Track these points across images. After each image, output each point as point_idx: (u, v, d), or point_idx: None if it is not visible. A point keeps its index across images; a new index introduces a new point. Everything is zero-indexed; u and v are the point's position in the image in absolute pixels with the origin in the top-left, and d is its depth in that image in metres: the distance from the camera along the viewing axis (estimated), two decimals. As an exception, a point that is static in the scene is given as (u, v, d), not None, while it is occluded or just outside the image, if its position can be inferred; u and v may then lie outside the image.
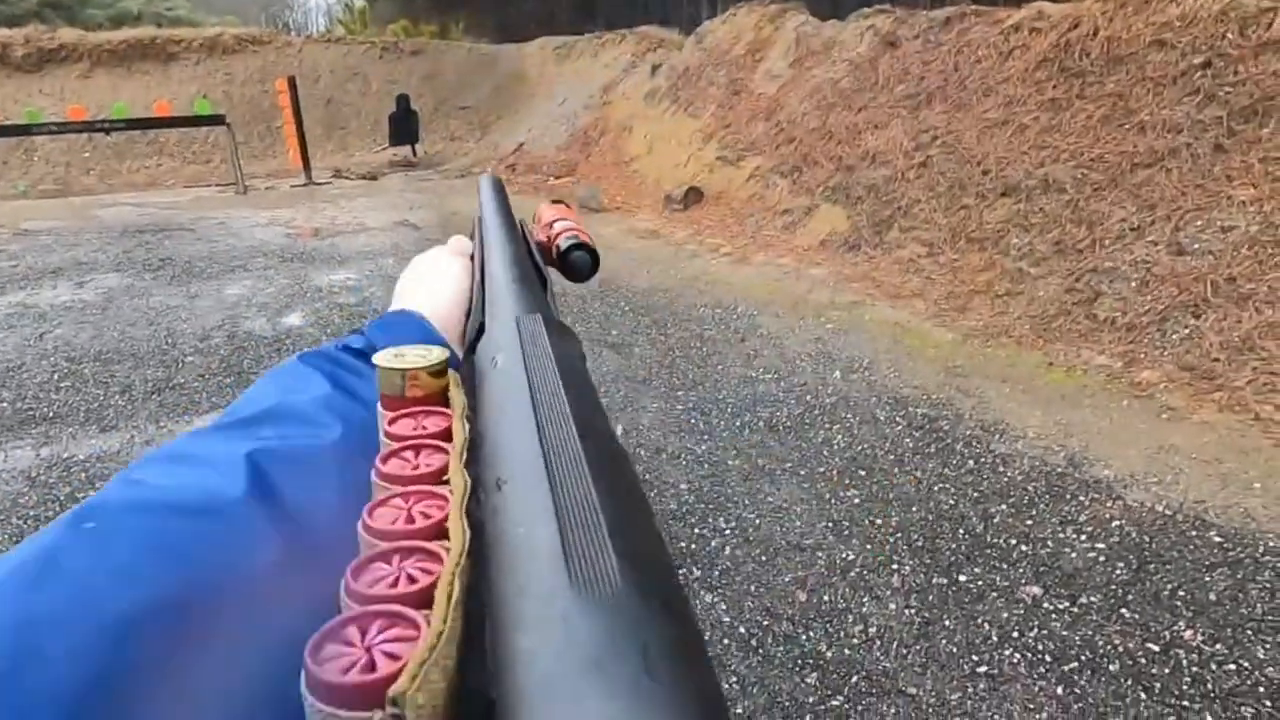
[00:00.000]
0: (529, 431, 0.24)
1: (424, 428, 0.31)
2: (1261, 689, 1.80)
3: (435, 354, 0.35)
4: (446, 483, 0.27)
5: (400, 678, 0.17)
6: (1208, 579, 2.18)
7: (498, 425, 0.27)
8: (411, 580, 0.22)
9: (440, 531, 0.24)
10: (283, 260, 6.40)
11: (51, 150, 11.89)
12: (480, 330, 0.38)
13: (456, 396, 0.33)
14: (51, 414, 3.50)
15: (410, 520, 0.25)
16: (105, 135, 10.60)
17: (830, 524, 2.53)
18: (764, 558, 2.37)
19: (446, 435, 0.30)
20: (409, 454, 0.29)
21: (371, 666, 0.19)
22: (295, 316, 4.86)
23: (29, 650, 0.22)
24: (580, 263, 0.57)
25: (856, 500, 2.66)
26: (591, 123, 10.52)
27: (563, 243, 0.57)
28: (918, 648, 1.99)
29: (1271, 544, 2.31)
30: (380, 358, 0.34)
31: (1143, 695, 1.81)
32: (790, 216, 6.28)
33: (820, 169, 6.33)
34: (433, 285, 0.53)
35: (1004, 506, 2.58)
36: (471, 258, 0.57)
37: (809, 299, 4.86)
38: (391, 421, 0.32)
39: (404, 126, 12.60)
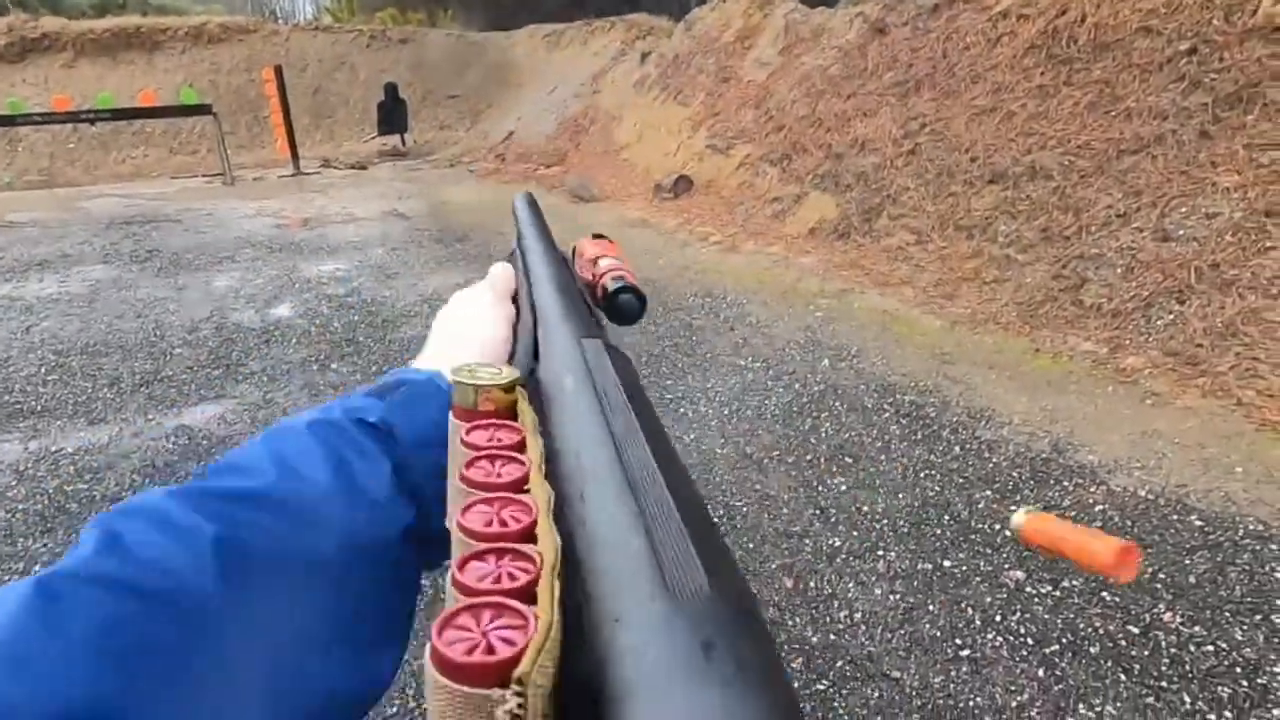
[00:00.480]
0: (607, 448, 0.26)
1: (498, 439, 0.32)
2: (1238, 669, 1.83)
3: (507, 372, 0.36)
4: (527, 492, 0.29)
5: (522, 661, 0.19)
6: (1188, 562, 2.21)
7: (574, 442, 0.29)
8: (512, 578, 0.24)
9: (530, 537, 0.26)
10: (271, 251, 6.38)
11: (36, 141, 11.79)
12: (534, 356, 0.39)
13: (527, 411, 0.34)
14: (39, 407, 3.49)
15: (499, 524, 0.27)
16: (90, 126, 10.54)
17: (817, 511, 2.55)
18: (751, 545, 2.39)
19: (520, 447, 0.32)
20: (488, 463, 0.31)
21: (490, 650, 0.20)
22: (284, 308, 4.85)
23: None
24: (628, 307, 0.54)
25: (843, 487, 2.68)
26: (581, 111, 10.48)
27: (609, 284, 0.55)
28: (902, 632, 2.02)
29: (1251, 527, 2.35)
30: (457, 372, 0.35)
31: (1122, 676, 1.83)
32: (780, 205, 6.28)
33: (809, 157, 6.33)
34: (469, 338, 0.49)
35: (989, 492, 2.60)
36: (514, 298, 0.56)
37: (798, 287, 4.87)
38: (468, 432, 0.33)
39: (393, 115, 12.54)
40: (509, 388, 0.35)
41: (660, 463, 0.25)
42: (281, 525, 0.33)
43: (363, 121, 13.68)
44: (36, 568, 2.37)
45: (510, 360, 0.48)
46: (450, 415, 0.35)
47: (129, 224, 7.57)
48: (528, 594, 0.23)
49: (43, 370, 3.91)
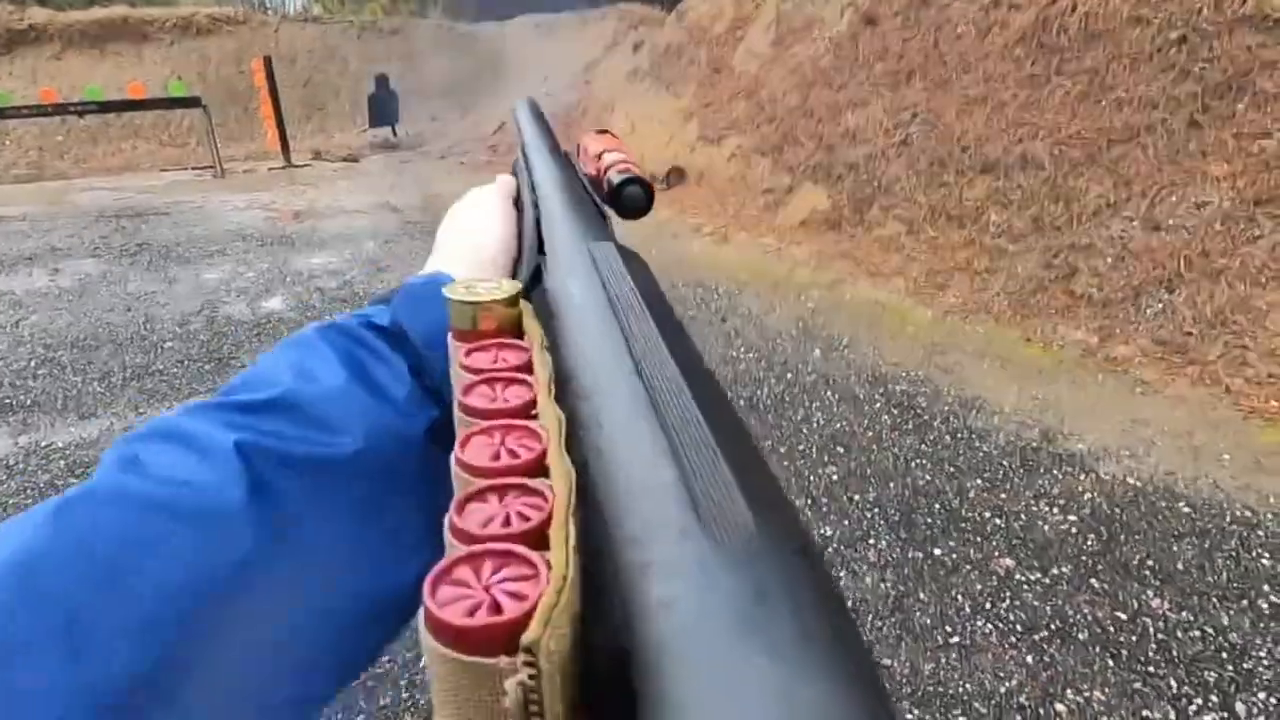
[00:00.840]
0: (625, 366, 0.23)
1: (503, 360, 0.30)
2: (1224, 654, 1.85)
3: (507, 286, 0.33)
4: (535, 417, 0.26)
5: (532, 624, 0.16)
6: (1176, 549, 2.23)
7: (587, 358, 0.25)
8: (522, 518, 0.21)
9: (540, 469, 0.23)
10: (262, 244, 6.35)
11: (24, 134, 11.70)
12: (538, 262, 0.36)
13: (534, 327, 0.31)
14: (29, 401, 3.48)
15: (505, 456, 0.24)
16: (78, 118, 10.44)
17: (809, 500, 2.56)
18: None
19: (527, 368, 0.29)
20: (491, 386, 0.28)
21: (497, 609, 0.17)
22: (276, 301, 4.83)
23: (3, 673, 0.21)
24: (634, 198, 0.51)
25: (835, 477, 2.69)
26: (574, 102, 10.45)
27: (614, 177, 0.52)
28: (893, 620, 2.03)
29: (1238, 513, 2.37)
30: (451, 290, 0.32)
31: (1110, 662, 1.85)
32: (772, 196, 6.28)
33: (801, 148, 6.33)
34: (474, 240, 0.48)
35: (979, 481, 2.62)
36: (516, 199, 0.54)
37: (790, 278, 4.88)
38: (467, 354, 0.30)
39: (384, 107, 12.48)
40: (511, 301, 0.32)
41: (689, 378, 0.22)
42: (302, 428, 0.32)
43: (354, 113, 13.61)
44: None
45: (515, 268, 0.45)
46: (449, 337, 0.32)
47: (118, 217, 7.53)
48: (538, 537, 0.20)
49: (32, 364, 3.90)
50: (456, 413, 0.27)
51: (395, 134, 12.82)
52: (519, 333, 0.32)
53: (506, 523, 0.20)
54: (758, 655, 0.13)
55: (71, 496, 0.27)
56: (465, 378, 0.29)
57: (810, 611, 0.14)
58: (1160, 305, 3.53)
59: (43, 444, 3.09)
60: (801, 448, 2.88)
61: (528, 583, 0.18)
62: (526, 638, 0.16)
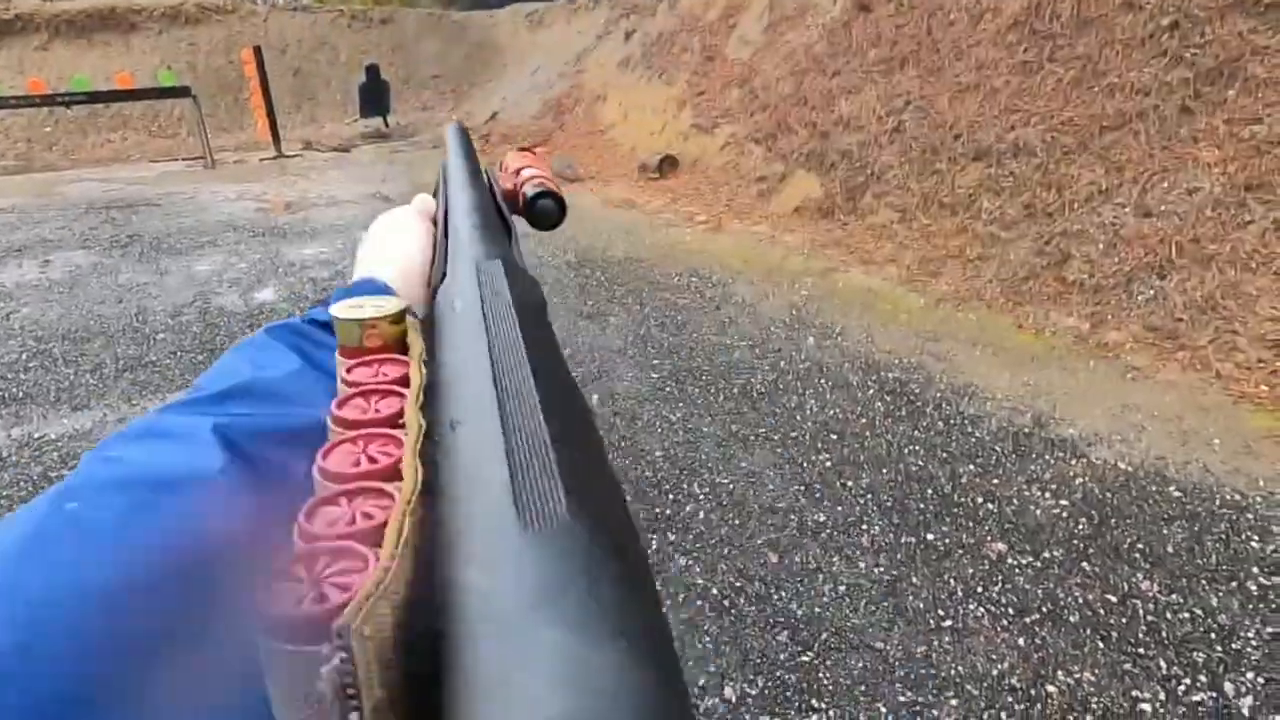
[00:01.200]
0: (484, 373, 0.24)
1: (383, 375, 0.31)
2: (1213, 635, 1.87)
3: (392, 304, 0.35)
4: (403, 426, 0.27)
5: (346, 610, 0.17)
6: (1166, 532, 2.25)
7: (454, 368, 0.27)
8: (368, 517, 0.22)
9: (395, 473, 0.24)
10: (254, 235, 6.32)
11: (11, 125, 11.60)
12: (443, 278, 0.38)
13: (415, 342, 0.33)
14: (21, 394, 3.47)
15: (365, 463, 0.25)
16: (66, 109, 10.36)
17: (803, 487, 2.57)
18: (737, 521, 2.41)
19: (404, 381, 0.30)
20: (365, 399, 0.29)
21: (323, 599, 0.18)
22: (268, 291, 4.82)
23: (24, 638, 0.22)
24: (546, 210, 0.55)
25: (828, 463, 2.70)
26: (566, 91, 10.41)
27: (529, 190, 0.55)
28: (886, 604, 2.05)
29: (1228, 497, 2.39)
30: (337, 309, 0.34)
31: (1100, 644, 1.87)
32: (765, 184, 6.28)
33: (794, 135, 6.32)
34: (395, 249, 0.51)
35: (972, 466, 2.63)
36: (435, 217, 0.56)
37: (783, 266, 4.88)
38: (349, 370, 0.32)
39: (374, 97, 12.40)
40: (397, 318, 0.34)
41: (541, 384, 0.23)
42: (269, 406, 0.35)
43: (344, 103, 13.52)
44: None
45: (429, 284, 0.47)
46: (336, 355, 0.35)
47: (108, 208, 7.48)
48: (377, 535, 0.21)
49: (24, 357, 3.88)
50: (329, 424, 0.28)
51: (386, 124, 12.75)
52: (404, 348, 0.33)
53: (353, 522, 0.21)
54: (551, 627, 0.14)
55: (67, 485, 0.28)
56: (343, 391, 0.30)
57: (607, 589, 0.15)
58: (1151, 291, 3.54)
59: (36, 436, 3.09)
60: (795, 435, 2.89)
61: (357, 575, 0.19)
62: (338, 623, 0.16)
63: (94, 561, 0.25)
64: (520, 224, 0.56)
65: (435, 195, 0.60)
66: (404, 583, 0.18)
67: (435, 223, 0.54)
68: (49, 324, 4.32)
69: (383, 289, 0.46)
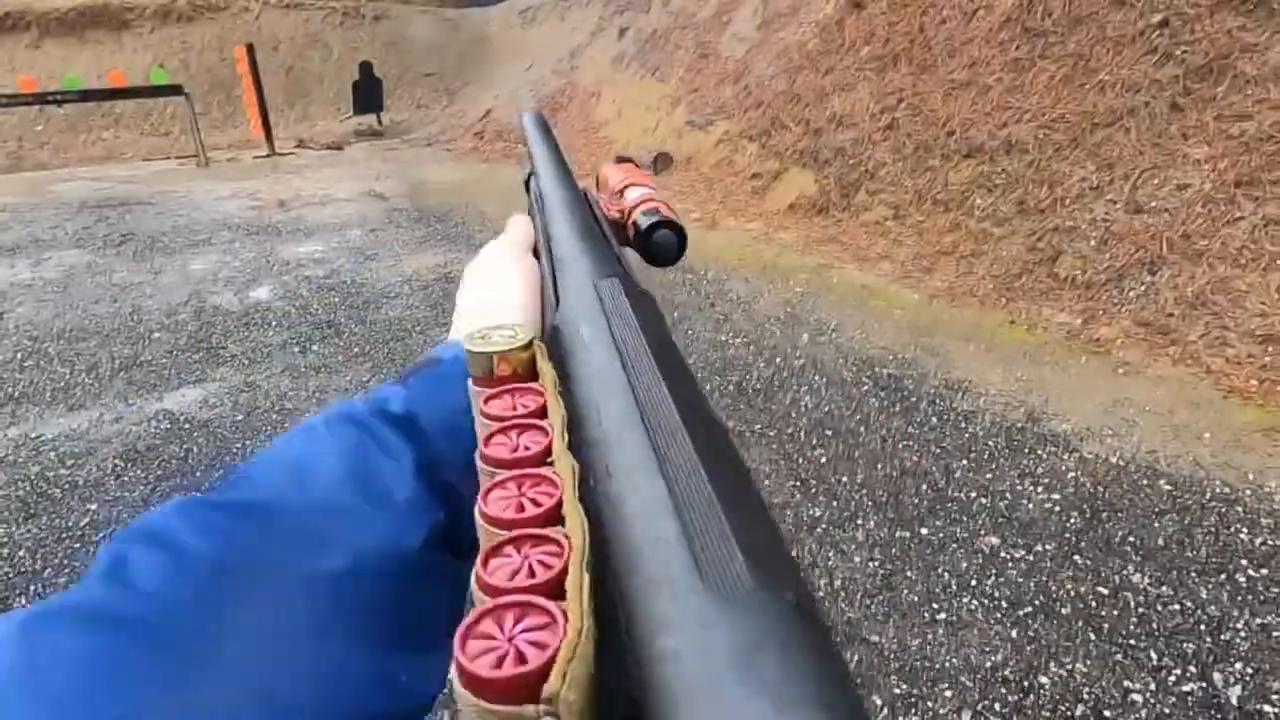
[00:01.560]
0: (631, 413, 0.24)
1: (521, 406, 0.30)
2: (1202, 626, 1.90)
3: (521, 334, 0.33)
4: (551, 464, 0.26)
5: (551, 676, 0.17)
6: (1156, 525, 2.27)
7: (596, 403, 0.26)
8: (545, 567, 0.21)
9: (555, 517, 0.24)
10: (248, 233, 6.32)
11: (2, 123, 11.55)
12: (556, 305, 0.36)
13: (548, 370, 0.31)
14: (17, 394, 3.47)
15: (523, 507, 0.24)
16: (58, 108, 10.32)
17: (798, 483, 2.59)
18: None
19: (542, 413, 0.29)
20: (508, 435, 0.28)
21: (521, 659, 0.18)
22: (263, 290, 4.82)
23: None
24: (664, 244, 0.46)
25: (823, 459, 2.72)
26: (559, 88, 10.41)
27: (641, 219, 0.46)
28: (880, 598, 2.07)
29: (1218, 490, 2.42)
30: (468, 340, 0.33)
31: (1092, 636, 1.89)
32: (759, 181, 6.29)
33: (788, 133, 6.33)
34: (497, 296, 0.45)
35: (965, 461, 2.66)
36: (536, 250, 0.49)
37: (778, 263, 4.90)
38: (486, 400, 0.30)
39: (368, 94, 12.39)
40: (525, 345, 0.32)
41: (690, 426, 0.22)
42: (282, 542, 0.31)
43: (337, 100, 13.50)
44: (20, 553, 2.37)
45: (543, 317, 0.42)
46: (470, 384, 0.33)
47: (101, 207, 7.46)
48: (556, 586, 0.20)
49: (19, 357, 3.88)
50: (478, 463, 0.28)
51: (380, 121, 12.73)
52: (535, 376, 0.32)
53: (531, 574, 0.21)
54: (750, 697, 0.14)
55: (45, 611, 0.26)
56: (485, 426, 0.29)
57: (799, 655, 0.15)
58: (1142, 287, 3.57)
59: (32, 435, 3.09)
60: (790, 431, 2.91)
61: (547, 631, 0.19)
62: (547, 689, 0.17)
63: (44, 714, 0.23)
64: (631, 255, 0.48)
65: (530, 214, 0.54)
66: (592, 643, 0.18)
67: (538, 254, 0.48)
68: (43, 323, 4.32)
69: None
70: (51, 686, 0.24)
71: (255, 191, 8.18)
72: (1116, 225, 3.86)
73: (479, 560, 0.22)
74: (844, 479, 2.60)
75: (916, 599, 2.06)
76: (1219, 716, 1.67)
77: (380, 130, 12.61)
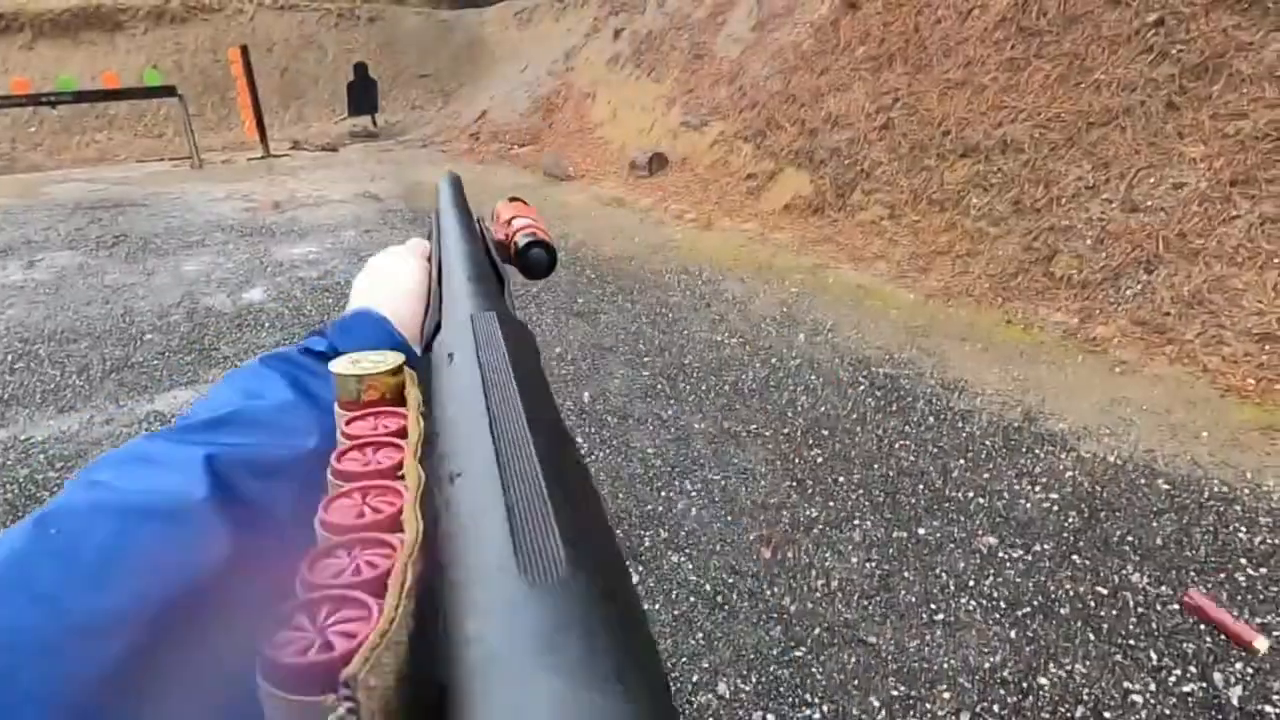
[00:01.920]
0: (482, 426, 0.25)
1: (383, 427, 0.31)
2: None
3: (390, 358, 0.35)
4: (402, 478, 0.27)
5: (353, 661, 0.17)
6: (1155, 524, 2.26)
7: (452, 421, 0.27)
8: (368, 568, 0.22)
9: (396, 524, 0.24)
10: (242, 235, 6.28)
11: (-5, 125, 11.49)
12: (437, 328, 0.39)
13: (412, 393, 0.33)
14: (7, 395, 3.44)
15: (366, 514, 0.25)
16: (51, 109, 10.27)
17: (794, 483, 2.58)
18: (729, 517, 2.41)
19: (403, 433, 0.31)
20: (364, 451, 0.30)
21: (328, 647, 0.19)
22: (256, 292, 4.79)
23: (4, 661, 0.22)
24: (538, 260, 0.57)
25: (820, 459, 2.71)
26: (555, 89, 10.39)
27: (520, 240, 0.57)
28: (878, 599, 2.05)
29: (1216, 489, 2.41)
30: (336, 365, 0.35)
31: (1091, 636, 1.88)
32: (754, 181, 6.28)
33: (784, 133, 6.32)
34: (391, 285, 0.52)
35: (962, 461, 2.64)
36: (429, 259, 0.56)
37: (773, 263, 4.89)
38: (349, 422, 0.32)
39: (363, 96, 12.36)
40: (395, 371, 0.34)
41: (539, 440, 0.23)
42: (259, 436, 0.35)
43: (332, 102, 13.46)
44: (9, 556, 2.34)
45: (422, 330, 0.47)
46: (335, 407, 0.35)
47: (95, 209, 7.42)
48: (381, 585, 0.21)
49: (9, 358, 3.84)
50: (329, 478, 0.29)
51: (375, 123, 12.70)
52: (403, 401, 0.34)
53: (357, 572, 0.22)
54: (549, 674, 0.14)
55: (50, 510, 0.28)
56: (342, 444, 0.30)
57: (604, 636, 0.16)
58: (1139, 286, 3.56)
59: (21, 437, 3.06)
60: (786, 431, 2.89)
61: (360, 623, 0.19)
62: (345, 672, 0.17)
63: (76, 589, 0.25)
64: (513, 274, 0.58)
65: (429, 239, 0.61)
66: (407, 632, 0.19)
67: (430, 263, 0.55)
68: (35, 325, 4.29)
69: (379, 321, 0.47)
70: (81, 560, 0.26)
71: (249, 193, 8.15)
72: (1112, 224, 3.85)
73: (304, 563, 0.23)
74: (840, 479, 2.59)
75: (914, 600, 2.04)
76: (1220, 717, 1.65)
77: (375, 132, 12.57)
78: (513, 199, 0.68)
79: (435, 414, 0.30)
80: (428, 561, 0.21)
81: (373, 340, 0.42)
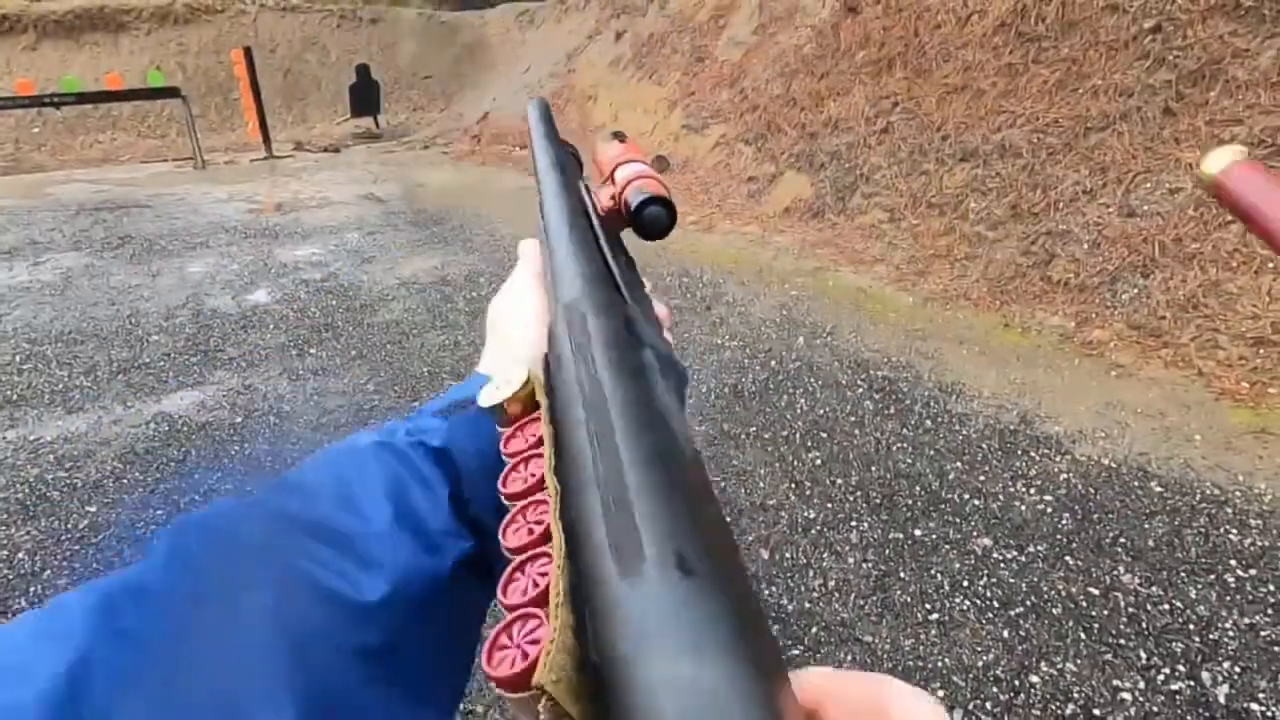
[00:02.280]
0: (581, 431, 0.26)
1: (531, 438, 0.33)
2: (1191, 626, 1.92)
3: (517, 374, 0.35)
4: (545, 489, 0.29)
5: (537, 669, 0.21)
6: (1147, 526, 2.30)
7: (569, 424, 0.28)
8: (541, 579, 0.26)
9: (549, 536, 0.27)
10: (245, 236, 6.33)
11: (-1, 126, 11.55)
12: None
13: (541, 399, 0.33)
14: (15, 396, 3.48)
15: (534, 531, 0.28)
16: (55, 110, 10.32)
17: (793, 485, 2.62)
18: (728, 518, 2.45)
19: (542, 442, 0.32)
20: (519, 469, 0.31)
21: (525, 657, 0.23)
22: (260, 293, 4.83)
23: None
24: (654, 220, 0.48)
25: (818, 461, 2.75)
26: (556, 91, 10.42)
27: (631, 198, 0.48)
28: (874, 599, 2.09)
29: (1208, 492, 2.44)
30: (483, 398, 0.35)
31: (1082, 635, 1.92)
32: (755, 184, 6.32)
33: (784, 136, 6.36)
34: (515, 332, 0.47)
35: (959, 464, 2.68)
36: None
37: (774, 266, 4.93)
38: (506, 441, 0.33)
39: (365, 97, 12.41)
40: (524, 385, 0.35)
41: (643, 431, 0.25)
42: (338, 561, 0.32)
43: (335, 103, 13.52)
44: (20, 555, 2.38)
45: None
46: (496, 428, 0.35)
47: (99, 210, 7.47)
48: (546, 597, 0.24)
49: (17, 359, 3.88)
50: (503, 501, 0.31)
51: (377, 124, 12.75)
52: (537, 406, 0.34)
53: (535, 586, 0.25)
54: (680, 656, 0.16)
55: (119, 587, 0.28)
56: (505, 464, 0.32)
57: (730, 620, 0.18)
58: (1135, 290, 3.60)
59: (30, 438, 3.10)
60: (785, 433, 2.93)
61: (540, 632, 0.23)
62: (535, 678, 0.20)
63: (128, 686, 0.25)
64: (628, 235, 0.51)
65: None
66: (572, 632, 0.22)
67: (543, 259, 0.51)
68: (41, 326, 4.33)
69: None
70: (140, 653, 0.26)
71: (252, 194, 8.19)
72: (1109, 229, 3.89)
73: (499, 586, 0.26)
74: (838, 481, 2.62)
75: (909, 599, 2.08)
76: (1207, 715, 1.69)
77: (377, 133, 12.62)
78: (614, 135, 0.58)
79: (556, 417, 0.30)
80: (575, 566, 0.23)
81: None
